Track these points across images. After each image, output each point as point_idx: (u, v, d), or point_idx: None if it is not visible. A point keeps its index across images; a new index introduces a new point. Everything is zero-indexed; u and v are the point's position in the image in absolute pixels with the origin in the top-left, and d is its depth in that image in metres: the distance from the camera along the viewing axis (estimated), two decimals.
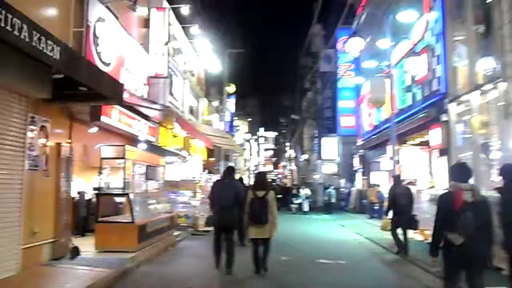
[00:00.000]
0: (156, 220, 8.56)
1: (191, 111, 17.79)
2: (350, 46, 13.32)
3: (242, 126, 45.82)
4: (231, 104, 31.10)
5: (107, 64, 8.02)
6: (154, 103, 9.63)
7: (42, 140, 6.12)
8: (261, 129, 63.50)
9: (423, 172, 12.78)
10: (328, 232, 13.39)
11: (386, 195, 11.22)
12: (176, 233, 9.99)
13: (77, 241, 7.29)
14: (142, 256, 7.23)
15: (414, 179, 12.95)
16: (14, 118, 5.59)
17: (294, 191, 23.14)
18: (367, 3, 16.97)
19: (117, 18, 8.72)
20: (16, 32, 3.77)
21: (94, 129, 7.60)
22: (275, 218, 6.28)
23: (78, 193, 8.72)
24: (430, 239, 4.09)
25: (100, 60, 7.70)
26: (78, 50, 6.82)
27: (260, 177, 6.89)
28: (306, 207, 21.52)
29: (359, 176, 22.25)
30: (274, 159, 71.76)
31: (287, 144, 56.02)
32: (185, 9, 13.75)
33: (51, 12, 6.46)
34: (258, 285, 6.13)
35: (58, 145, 6.57)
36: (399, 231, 8.28)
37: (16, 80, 5.12)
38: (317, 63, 29.22)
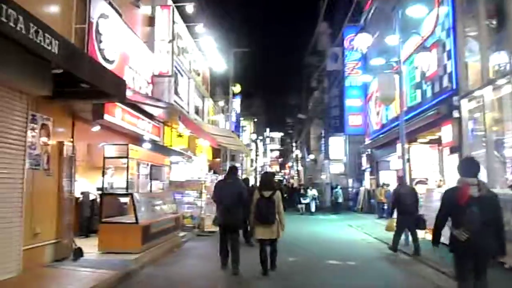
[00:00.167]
0: (161, 221, 8.41)
1: (197, 111, 17.64)
2: (358, 42, 13.11)
3: (248, 126, 45.65)
4: (236, 104, 30.92)
5: (111, 62, 7.89)
6: (158, 100, 9.47)
7: (43, 139, 5.98)
8: (267, 130, 63.32)
9: (434, 170, 12.52)
10: (336, 233, 13.21)
11: None
12: (181, 234, 9.85)
13: (80, 242, 7.19)
14: (146, 257, 7.07)
15: (425, 178, 12.71)
16: (15, 116, 5.47)
17: (302, 192, 22.95)
18: None
19: (120, 15, 8.59)
20: (11, 24, 3.63)
21: (97, 128, 7.45)
22: (282, 219, 6.21)
23: (82, 193, 8.61)
24: (434, 238, 4.11)
25: (103, 57, 7.56)
26: (80, 47, 6.68)
27: (267, 177, 6.85)
28: (313, 208, 21.37)
29: (367, 176, 21.99)
30: (280, 159, 71.54)
31: (294, 144, 55.79)
32: (189, 7, 13.65)
33: (53, 8, 6.35)
34: (265, 287, 5.96)
35: (60, 144, 6.44)
36: (404, 232, 8.28)
37: (16, 77, 5.01)
38: (323, 61, 28.95)
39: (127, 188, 7.78)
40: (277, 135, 68.99)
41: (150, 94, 10.60)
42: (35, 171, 5.81)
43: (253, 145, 46.46)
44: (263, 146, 60.95)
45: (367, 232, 12.28)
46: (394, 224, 8.61)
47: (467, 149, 9.89)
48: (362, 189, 21.97)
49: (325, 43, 29.76)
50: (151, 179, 9.87)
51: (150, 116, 10.32)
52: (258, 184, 7.13)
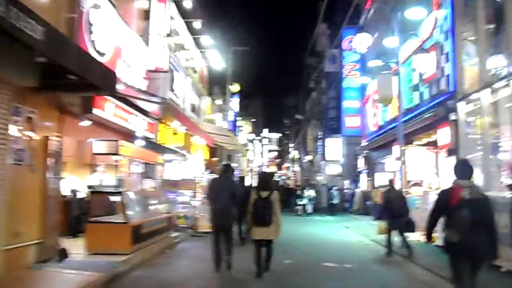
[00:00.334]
0: (152, 221, 8.12)
1: (193, 109, 17.34)
2: (357, 42, 13.00)
3: (245, 126, 45.40)
4: (234, 103, 30.65)
5: (102, 54, 7.57)
6: (152, 95, 9.18)
7: (27, 133, 5.67)
8: (265, 130, 63.15)
9: (430, 172, 12.37)
10: (332, 234, 13.05)
11: None
12: (174, 234, 9.56)
13: (68, 242, 6.92)
14: (136, 259, 6.79)
15: (421, 180, 12.58)
16: None
17: (298, 192, 22.73)
18: (374, 0, 16.52)
19: (114, 6, 8.28)
20: None
21: (86, 123, 7.12)
22: (279, 219, 6.08)
23: (72, 191, 8.31)
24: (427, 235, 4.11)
25: (94, 49, 7.25)
26: (69, 37, 6.37)
27: (265, 177, 6.78)
28: (310, 209, 21.12)
29: (363, 177, 21.85)
30: (277, 160, 71.37)
31: (291, 145, 55.60)
32: (187, 3, 13.38)
33: None
34: None
35: (46, 138, 6.10)
36: (395, 235, 8.37)
37: None
38: (322, 62, 28.81)
39: (117, 186, 7.49)
40: (275, 136, 68.87)
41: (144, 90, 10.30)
42: (17, 167, 5.47)
43: (250, 146, 46.24)
44: (261, 147, 60.77)
45: (363, 234, 12.13)
46: (384, 227, 8.66)
47: (464, 152, 9.78)
48: (358, 190, 21.83)
49: (324, 44, 29.60)
50: (143, 177, 9.60)
51: (144, 113, 10.03)
52: (255, 184, 7.05)
